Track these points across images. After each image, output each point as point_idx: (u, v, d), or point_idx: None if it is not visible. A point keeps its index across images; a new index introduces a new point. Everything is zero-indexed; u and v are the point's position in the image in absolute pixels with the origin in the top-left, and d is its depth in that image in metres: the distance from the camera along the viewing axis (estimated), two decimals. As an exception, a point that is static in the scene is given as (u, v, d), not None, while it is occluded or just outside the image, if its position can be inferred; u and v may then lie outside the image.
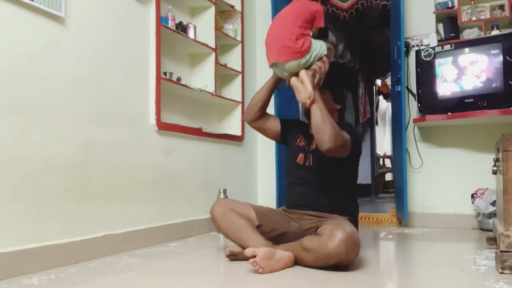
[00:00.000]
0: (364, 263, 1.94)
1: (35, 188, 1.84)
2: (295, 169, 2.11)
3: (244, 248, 1.92)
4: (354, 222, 2.02)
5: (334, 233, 1.69)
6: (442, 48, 3.14)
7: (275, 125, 2.22)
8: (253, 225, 2.00)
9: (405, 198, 3.19)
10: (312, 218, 2.00)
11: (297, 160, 2.09)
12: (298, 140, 2.14)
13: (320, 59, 1.90)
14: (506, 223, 1.78)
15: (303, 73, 1.86)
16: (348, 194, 2.10)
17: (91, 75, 2.15)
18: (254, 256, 1.74)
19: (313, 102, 1.84)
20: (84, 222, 2.06)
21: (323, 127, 1.81)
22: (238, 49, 3.50)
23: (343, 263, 1.73)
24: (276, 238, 2.02)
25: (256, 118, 2.18)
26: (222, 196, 2.94)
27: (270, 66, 1.96)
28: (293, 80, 1.87)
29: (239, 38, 3.49)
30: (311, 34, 1.94)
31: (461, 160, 3.24)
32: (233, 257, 2.01)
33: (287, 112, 3.44)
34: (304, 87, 1.84)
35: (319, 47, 1.91)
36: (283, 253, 1.82)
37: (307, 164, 2.06)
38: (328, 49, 1.95)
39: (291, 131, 2.20)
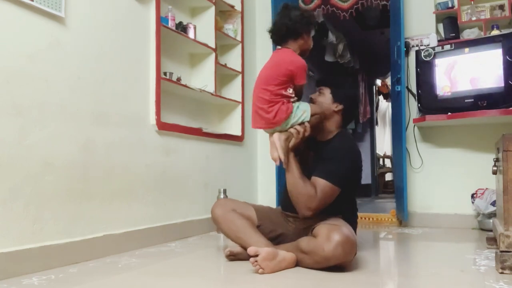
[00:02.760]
0: (364, 263, 1.94)
1: (35, 188, 1.84)
2: None
3: (245, 248, 1.92)
4: (351, 222, 1.99)
5: (330, 236, 1.68)
6: (442, 48, 3.14)
7: None
8: (253, 225, 2.00)
9: (405, 198, 3.19)
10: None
11: None
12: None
13: (302, 123, 1.87)
14: (506, 223, 1.78)
15: (275, 137, 1.84)
16: (344, 198, 1.97)
17: (91, 75, 2.15)
18: (256, 255, 1.74)
19: (287, 164, 1.85)
20: (84, 222, 2.06)
21: (296, 199, 1.86)
22: (238, 49, 3.50)
23: (341, 264, 1.73)
24: (275, 239, 2.02)
25: None
26: (222, 196, 2.94)
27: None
28: (273, 136, 1.86)
29: (239, 38, 3.49)
30: (290, 93, 1.86)
31: (461, 160, 3.24)
32: (233, 257, 2.00)
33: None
34: (277, 149, 1.83)
35: (300, 114, 1.85)
36: (285, 253, 1.81)
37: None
38: (313, 115, 1.89)
39: None
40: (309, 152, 2.05)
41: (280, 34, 1.94)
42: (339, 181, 1.86)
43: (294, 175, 1.86)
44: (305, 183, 1.85)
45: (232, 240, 2.03)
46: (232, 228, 1.99)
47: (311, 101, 2.06)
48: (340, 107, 2.05)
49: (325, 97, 2.05)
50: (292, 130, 1.85)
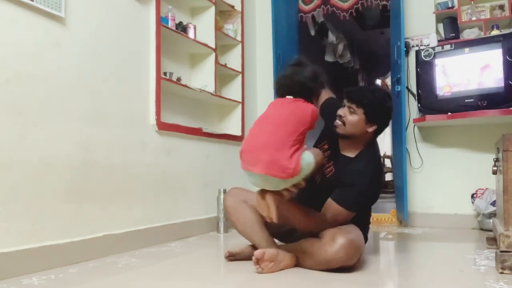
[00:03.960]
0: (364, 263, 1.94)
1: (35, 188, 1.84)
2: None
3: (250, 242, 1.95)
4: (362, 227, 1.95)
5: (335, 238, 1.67)
6: (442, 48, 3.14)
7: None
8: (261, 221, 1.93)
9: (405, 198, 3.19)
10: None
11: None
12: None
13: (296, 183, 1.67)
14: (506, 223, 1.78)
15: (270, 201, 1.69)
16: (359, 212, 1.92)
17: (91, 75, 2.15)
18: (261, 257, 1.74)
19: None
20: (84, 222, 2.06)
21: (310, 231, 1.81)
22: (238, 49, 3.50)
23: (344, 267, 1.72)
24: (284, 234, 2.01)
25: None
26: (222, 196, 2.94)
27: (244, 169, 1.71)
28: (267, 199, 1.70)
29: (239, 38, 3.49)
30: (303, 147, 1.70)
31: (461, 160, 3.24)
32: (232, 257, 2.00)
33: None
34: (269, 211, 1.71)
35: (305, 167, 1.65)
36: (284, 254, 1.81)
37: (317, 183, 1.97)
38: (317, 164, 1.70)
39: None
40: (331, 165, 1.94)
41: (294, 91, 1.75)
42: (355, 208, 1.83)
43: (294, 216, 1.80)
44: (313, 218, 1.80)
45: (238, 232, 2.02)
46: (240, 220, 1.98)
47: (340, 118, 1.87)
48: (374, 127, 1.89)
49: (358, 118, 1.85)
50: (284, 192, 1.69)
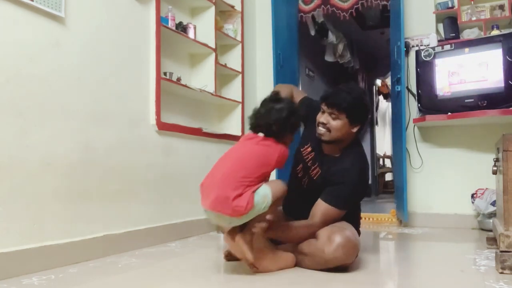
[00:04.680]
0: (364, 263, 1.94)
1: (35, 188, 1.84)
2: (294, 182, 2.05)
3: None
4: (354, 223, 1.96)
5: (332, 237, 1.68)
6: (442, 48, 3.14)
7: None
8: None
9: (405, 198, 3.19)
10: None
11: (298, 175, 2.03)
12: (298, 168, 2.05)
13: (261, 215, 1.65)
14: (506, 223, 1.78)
15: (240, 241, 1.66)
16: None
17: (91, 75, 2.15)
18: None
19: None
20: (84, 222, 2.06)
21: (302, 240, 1.81)
22: (238, 49, 3.50)
23: (342, 266, 1.73)
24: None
25: None
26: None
27: (202, 205, 1.70)
28: (237, 240, 1.67)
29: (239, 38, 3.49)
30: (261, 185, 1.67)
31: (461, 160, 3.24)
32: (231, 257, 2.00)
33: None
34: (243, 253, 1.68)
35: (261, 202, 1.62)
36: (281, 253, 1.81)
37: (305, 186, 1.99)
38: (275, 201, 1.67)
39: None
40: (316, 166, 1.94)
41: (266, 130, 1.77)
42: (346, 206, 1.85)
43: (290, 237, 1.81)
44: (301, 229, 1.81)
45: None
46: None
47: (324, 126, 1.85)
48: (358, 127, 1.88)
49: (341, 122, 1.84)
50: (255, 230, 1.67)
